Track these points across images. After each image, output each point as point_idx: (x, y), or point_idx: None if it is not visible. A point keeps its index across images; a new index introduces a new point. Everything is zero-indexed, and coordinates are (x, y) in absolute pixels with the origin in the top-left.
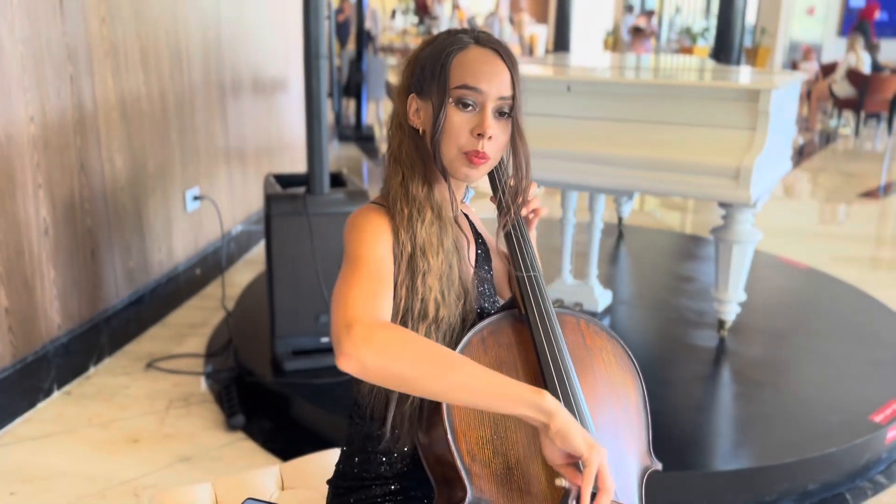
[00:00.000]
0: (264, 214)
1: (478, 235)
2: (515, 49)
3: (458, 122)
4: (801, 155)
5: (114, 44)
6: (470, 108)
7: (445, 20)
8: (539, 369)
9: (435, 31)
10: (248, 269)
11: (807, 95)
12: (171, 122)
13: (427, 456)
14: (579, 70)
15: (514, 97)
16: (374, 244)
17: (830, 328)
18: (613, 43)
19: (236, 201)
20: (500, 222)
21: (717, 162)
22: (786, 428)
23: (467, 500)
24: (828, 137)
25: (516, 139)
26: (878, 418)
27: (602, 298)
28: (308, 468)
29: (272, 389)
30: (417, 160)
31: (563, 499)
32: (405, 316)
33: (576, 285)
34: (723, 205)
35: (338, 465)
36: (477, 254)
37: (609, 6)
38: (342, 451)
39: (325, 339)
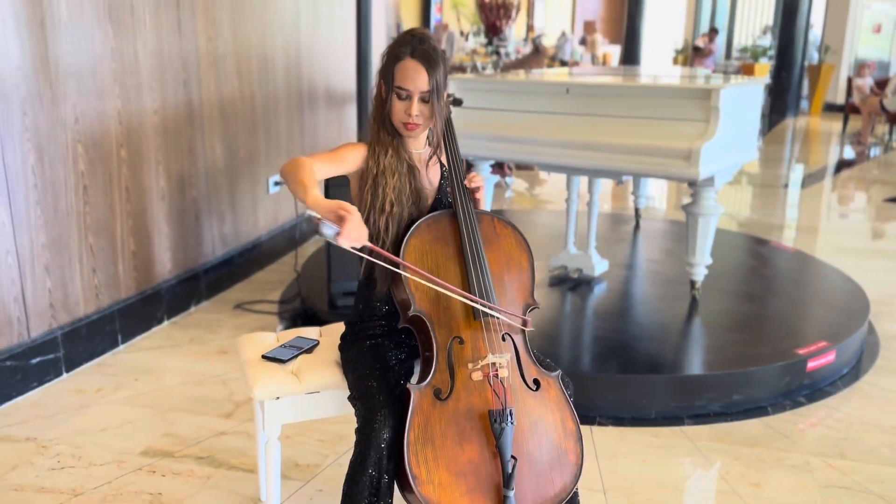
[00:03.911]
0: (323, 184)
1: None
2: (586, 67)
3: (398, 106)
4: (848, 166)
5: (216, 57)
6: (404, 97)
7: (513, 41)
8: (460, 244)
9: (502, 52)
10: (319, 244)
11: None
12: (259, 121)
13: (396, 295)
14: (578, 76)
15: (430, 89)
16: (344, 151)
17: (793, 293)
18: (683, 61)
19: None
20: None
21: (675, 146)
22: (722, 353)
23: (412, 309)
24: (880, 151)
25: (434, 110)
26: (802, 352)
27: (599, 265)
28: (337, 326)
29: (326, 319)
30: (386, 119)
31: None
32: (370, 210)
33: (577, 254)
34: (691, 184)
35: (351, 310)
36: (441, 179)
37: (680, 26)
38: (353, 304)
39: None
